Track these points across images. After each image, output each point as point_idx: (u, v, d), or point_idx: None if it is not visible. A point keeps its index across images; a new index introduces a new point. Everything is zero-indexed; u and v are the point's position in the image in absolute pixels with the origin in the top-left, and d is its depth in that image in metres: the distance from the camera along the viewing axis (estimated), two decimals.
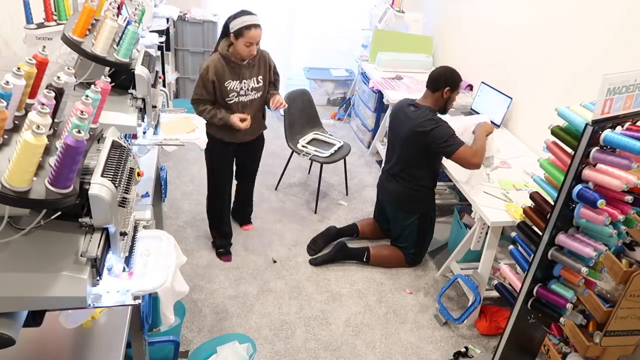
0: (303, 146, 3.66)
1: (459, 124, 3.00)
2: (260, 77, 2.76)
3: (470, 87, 4.04)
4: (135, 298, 1.25)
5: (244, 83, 2.70)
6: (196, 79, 2.68)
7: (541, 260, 1.80)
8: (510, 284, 2.04)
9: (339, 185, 4.03)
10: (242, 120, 2.68)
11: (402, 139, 2.87)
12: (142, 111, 1.74)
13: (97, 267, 1.06)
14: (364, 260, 3.13)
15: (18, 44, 2.02)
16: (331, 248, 3.19)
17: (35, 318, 1.12)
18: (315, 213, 3.64)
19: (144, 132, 2.08)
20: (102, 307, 1.42)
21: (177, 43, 4.93)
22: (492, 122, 3.51)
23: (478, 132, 2.81)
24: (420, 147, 2.78)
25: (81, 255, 1.04)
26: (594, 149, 1.60)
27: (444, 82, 2.77)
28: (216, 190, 3.05)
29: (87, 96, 1.08)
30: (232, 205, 3.27)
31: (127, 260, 1.23)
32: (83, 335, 1.46)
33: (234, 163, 3.05)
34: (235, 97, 2.70)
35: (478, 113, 3.01)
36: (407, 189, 2.96)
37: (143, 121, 1.78)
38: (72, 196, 0.98)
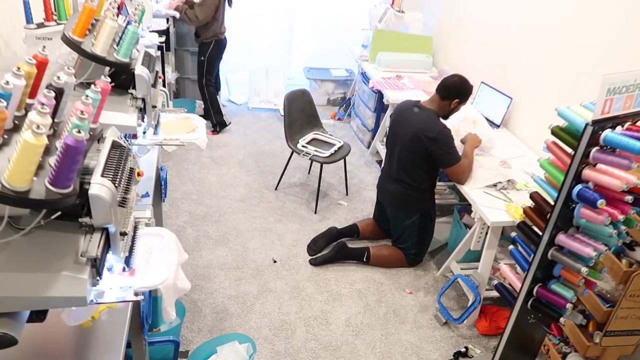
0: (303, 146, 3.66)
1: (458, 114, 2.98)
2: None
3: None
4: (136, 294, 1.25)
5: None
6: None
7: (541, 260, 1.80)
8: (510, 284, 2.04)
9: (339, 185, 4.03)
10: None
11: (404, 141, 2.87)
12: (142, 111, 1.74)
13: (97, 267, 1.06)
14: (364, 260, 3.13)
15: (18, 44, 2.02)
16: (331, 248, 3.20)
17: (38, 314, 1.12)
18: (315, 213, 3.64)
19: (144, 132, 2.08)
20: (104, 303, 1.42)
21: (177, 43, 4.93)
22: (492, 122, 3.53)
23: (467, 146, 2.85)
24: (422, 151, 2.79)
25: (81, 255, 1.04)
26: (594, 149, 1.60)
27: (457, 93, 2.78)
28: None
29: (87, 96, 1.08)
30: None
31: (127, 260, 1.23)
32: (83, 335, 1.46)
33: None
34: None
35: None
36: (407, 190, 2.96)
37: (143, 121, 1.77)
38: (72, 196, 0.97)
